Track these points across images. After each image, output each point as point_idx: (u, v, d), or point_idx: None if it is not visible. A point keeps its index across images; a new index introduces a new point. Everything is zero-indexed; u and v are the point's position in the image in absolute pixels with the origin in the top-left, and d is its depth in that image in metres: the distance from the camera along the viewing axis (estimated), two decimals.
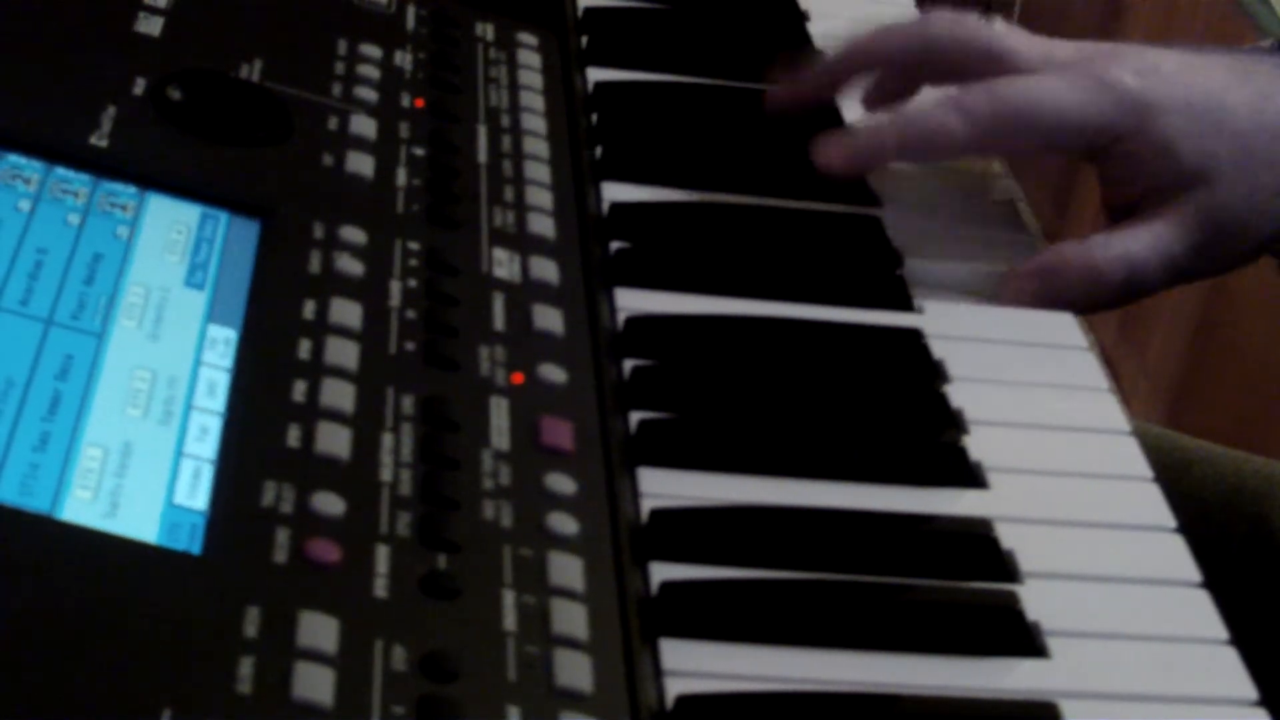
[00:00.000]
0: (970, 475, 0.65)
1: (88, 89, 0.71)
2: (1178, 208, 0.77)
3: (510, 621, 0.54)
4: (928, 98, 0.81)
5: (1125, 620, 0.60)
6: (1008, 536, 0.62)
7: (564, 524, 0.58)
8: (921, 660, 0.57)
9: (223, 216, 0.67)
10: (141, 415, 0.58)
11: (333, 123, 0.74)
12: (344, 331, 0.63)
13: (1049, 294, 0.76)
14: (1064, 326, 0.75)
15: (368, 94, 0.77)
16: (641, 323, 0.70)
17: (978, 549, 0.61)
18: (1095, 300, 0.76)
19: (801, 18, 0.96)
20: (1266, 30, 1.84)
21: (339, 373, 0.61)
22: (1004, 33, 0.79)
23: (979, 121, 0.76)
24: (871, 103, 0.83)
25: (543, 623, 0.55)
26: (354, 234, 0.68)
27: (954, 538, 0.62)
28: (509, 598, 0.55)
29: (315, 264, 0.66)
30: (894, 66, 0.82)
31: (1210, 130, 0.76)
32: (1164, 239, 0.77)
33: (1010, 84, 0.76)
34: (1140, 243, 0.76)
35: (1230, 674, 0.59)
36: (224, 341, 0.62)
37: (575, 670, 0.53)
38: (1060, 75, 0.76)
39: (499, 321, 0.66)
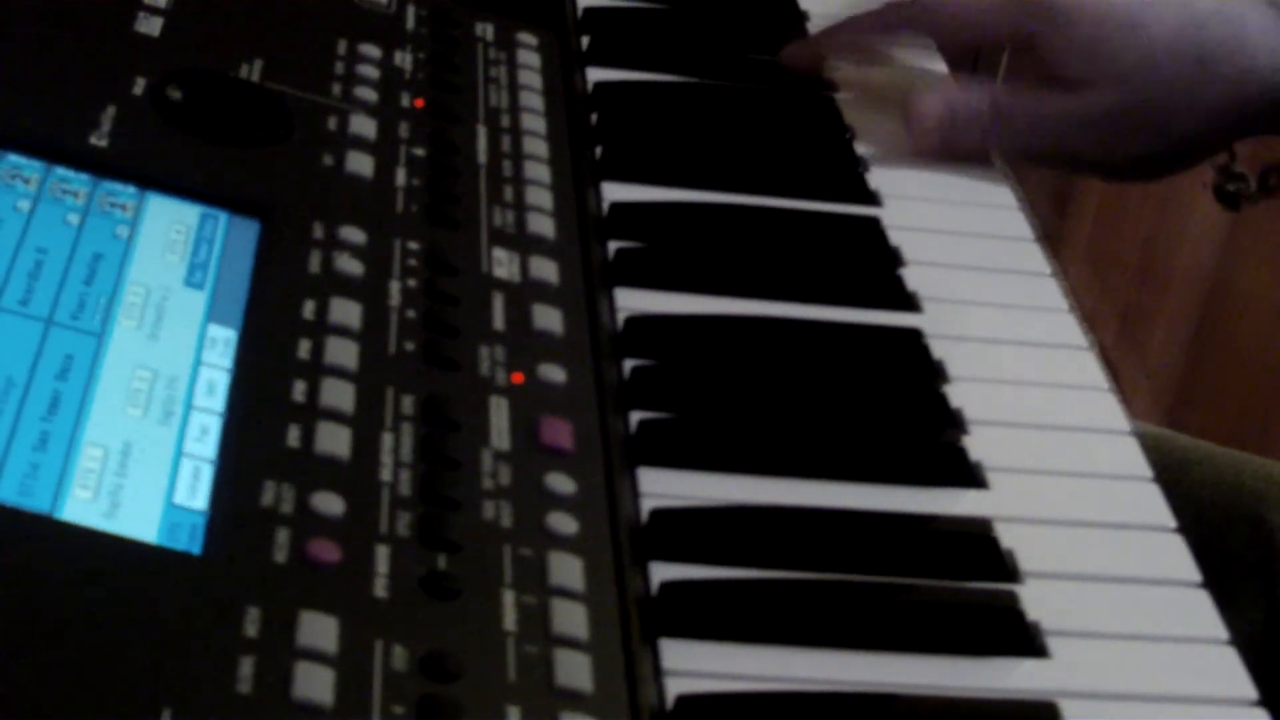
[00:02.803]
0: (970, 475, 0.65)
1: (88, 89, 0.71)
2: (1081, 94, 0.83)
3: (510, 621, 0.54)
4: None
5: (1125, 620, 0.60)
6: (1008, 536, 0.62)
7: (564, 524, 0.58)
8: (922, 660, 0.57)
9: (222, 216, 0.67)
10: (141, 415, 0.58)
11: (332, 123, 0.74)
12: (344, 331, 0.63)
13: (954, 129, 0.84)
14: (1064, 326, 0.75)
15: (368, 94, 0.77)
16: (641, 323, 0.70)
17: (978, 549, 0.61)
18: (987, 144, 0.85)
19: (801, 18, 0.96)
20: None
21: (339, 373, 0.61)
22: None
23: (902, 11, 0.87)
24: None
25: (543, 623, 0.55)
26: (354, 234, 0.68)
27: (954, 538, 0.62)
28: (509, 598, 0.55)
29: (315, 264, 0.66)
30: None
31: (1120, 39, 0.82)
32: (1060, 108, 0.84)
33: None
34: (1039, 101, 0.84)
35: (1230, 674, 0.59)
36: (224, 341, 0.62)
37: (575, 670, 0.53)
38: None
39: (499, 321, 0.66)
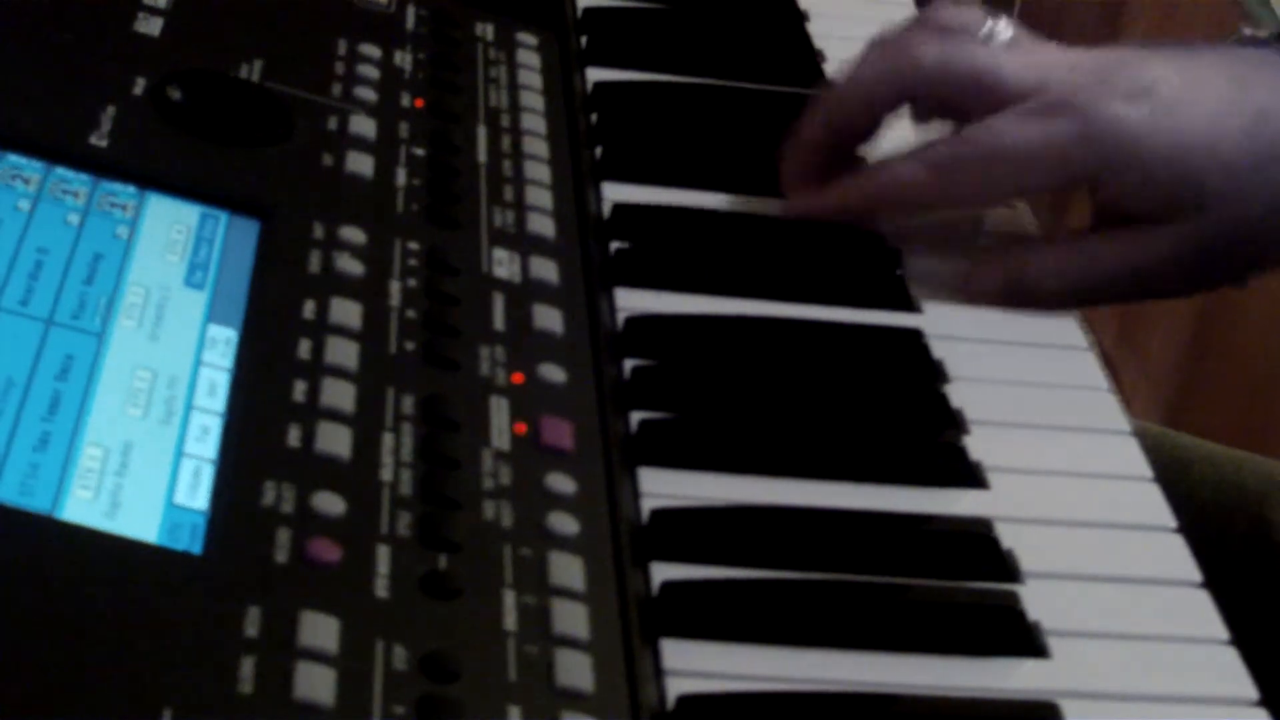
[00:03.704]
0: (970, 475, 0.65)
1: (88, 89, 0.71)
2: (1160, 233, 0.75)
3: (511, 621, 0.54)
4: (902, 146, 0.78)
5: (1125, 620, 0.60)
6: (1008, 536, 0.62)
7: (564, 524, 0.58)
8: (922, 660, 0.57)
9: (223, 216, 0.67)
10: (142, 415, 0.58)
11: (333, 123, 0.74)
12: (344, 331, 0.63)
13: (1024, 297, 0.76)
14: (1064, 327, 0.75)
15: (368, 94, 0.77)
16: (642, 323, 0.70)
17: (978, 549, 0.61)
18: (1073, 303, 0.76)
19: (801, 17, 0.96)
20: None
21: (339, 372, 0.61)
22: (992, 58, 0.75)
23: (945, 174, 0.74)
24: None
25: (543, 623, 0.55)
26: (354, 234, 0.68)
27: (954, 538, 0.62)
28: (510, 597, 0.55)
29: (315, 264, 0.66)
30: (881, 110, 0.78)
31: (1199, 163, 0.73)
32: (1140, 254, 0.75)
33: (980, 133, 0.74)
34: (1119, 253, 0.76)
35: (1230, 674, 0.59)
36: (224, 341, 0.62)
37: (576, 670, 0.53)
38: (1040, 119, 0.73)
39: (499, 321, 0.66)
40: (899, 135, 0.79)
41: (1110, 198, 0.75)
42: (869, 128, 0.78)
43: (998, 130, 0.73)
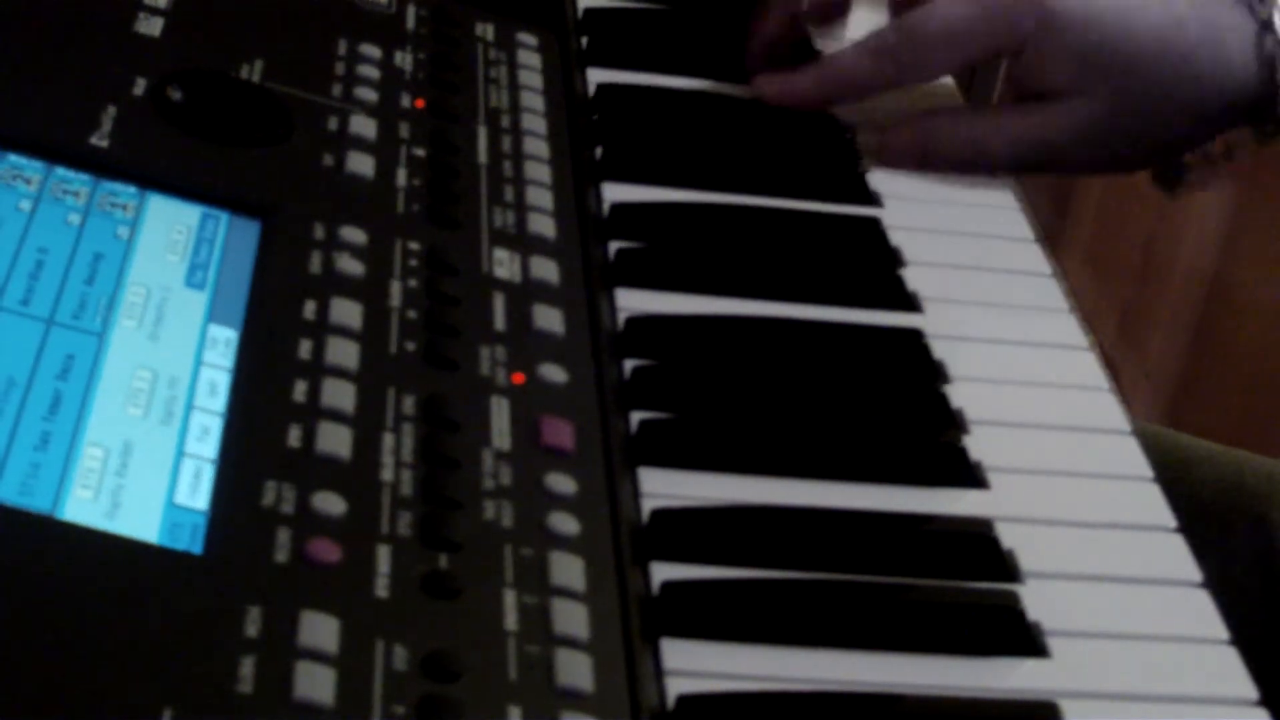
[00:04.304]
0: (970, 475, 0.65)
1: (88, 89, 0.71)
2: (1067, 106, 0.83)
3: (511, 621, 0.54)
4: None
5: (1125, 620, 0.60)
6: (1008, 536, 0.62)
7: (565, 524, 0.58)
8: (922, 660, 0.58)
9: (223, 216, 0.67)
10: (142, 415, 0.58)
11: (333, 123, 0.74)
12: (344, 331, 0.63)
13: (926, 157, 0.84)
14: (1064, 326, 0.75)
15: (368, 94, 0.77)
16: (642, 323, 0.70)
17: (978, 549, 0.61)
18: (974, 168, 0.84)
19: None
20: None
21: (340, 373, 0.61)
22: None
23: (889, 58, 0.84)
24: None
25: (544, 622, 0.55)
26: (354, 234, 0.68)
27: (954, 538, 0.62)
28: (510, 597, 0.55)
29: (316, 264, 0.66)
30: None
31: (1111, 44, 0.81)
32: (1047, 128, 0.83)
33: (916, 19, 0.83)
34: (1025, 123, 0.84)
35: (1230, 674, 0.59)
36: (224, 341, 0.62)
37: (576, 670, 0.53)
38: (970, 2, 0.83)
39: (499, 321, 0.66)
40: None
41: (1025, 68, 0.83)
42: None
43: (931, 13, 0.83)
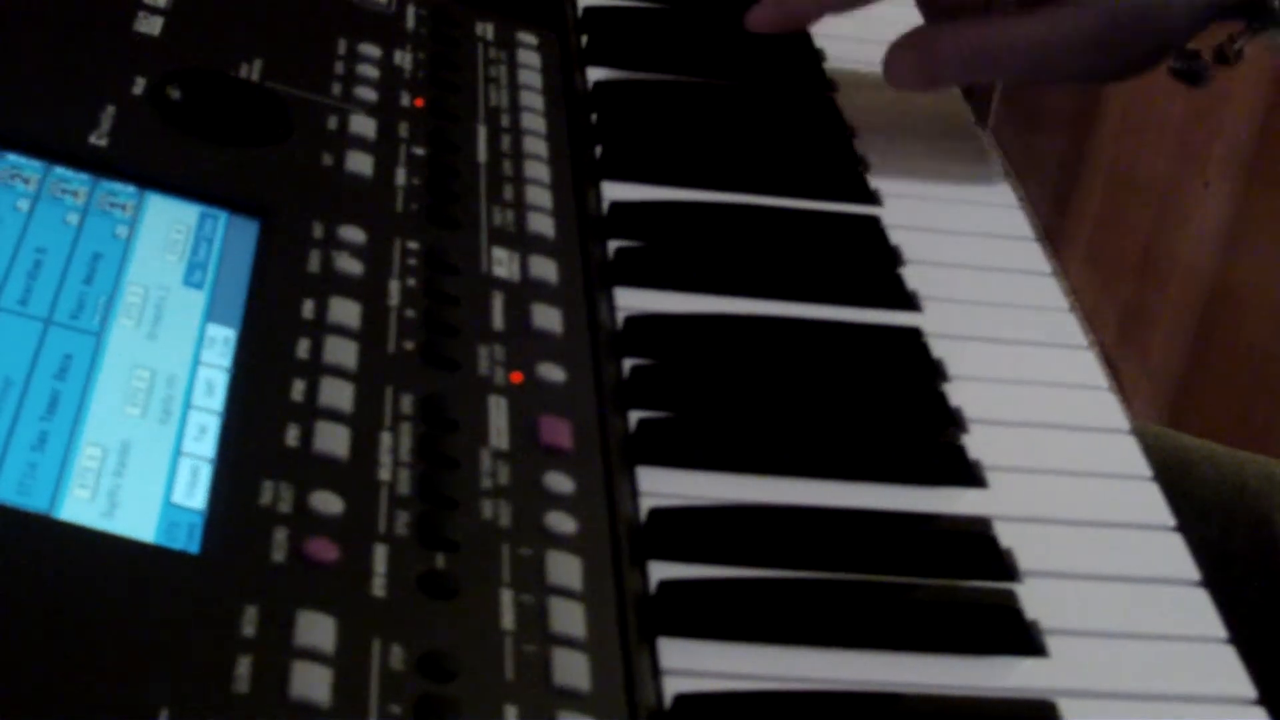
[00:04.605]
0: (970, 474, 0.65)
1: (87, 89, 0.71)
2: (1065, 11, 0.82)
3: (509, 620, 0.54)
4: None
5: (1125, 619, 0.60)
6: (1007, 535, 0.62)
7: (563, 523, 0.58)
8: (921, 659, 0.57)
9: (222, 216, 0.67)
10: (140, 414, 0.58)
11: (332, 122, 0.74)
12: (343, 331, 0.63)
13: (931, 72, 0.83)
14: (1064, 326, 0.75)
15: (367, 93, 0.77)
16: (641, 322, 0.70)
17: (977, 548, 0.61)
18: (979, 76, 0.85)
19: None
20: None
21: (338, 372, 0.61)
22: None
23: None
24: None
25: (541, 622, 0.55)
26: (353, 233, 0.68)
27: (953, 537, 0.62)
28: (507, 597, 0.55)
29: (314, 263, 0.66)
30: None
31: None
32: (1046, 29, 0.82)
33: None
34: (1019, 28, 0.83)
35: (1230, 673, 0.59)
36: (223, 341, 0.62)
37: (573, 669, 0.53)
38: None
39: (498, 321, 0.66)
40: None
41: None
42: None
43: None
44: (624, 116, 0.84)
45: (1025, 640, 0.58)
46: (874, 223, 0.79)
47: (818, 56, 0.92)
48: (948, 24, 0.85)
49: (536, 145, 0.78)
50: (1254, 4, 0.84)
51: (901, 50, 0.83)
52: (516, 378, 0.64)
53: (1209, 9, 0.84)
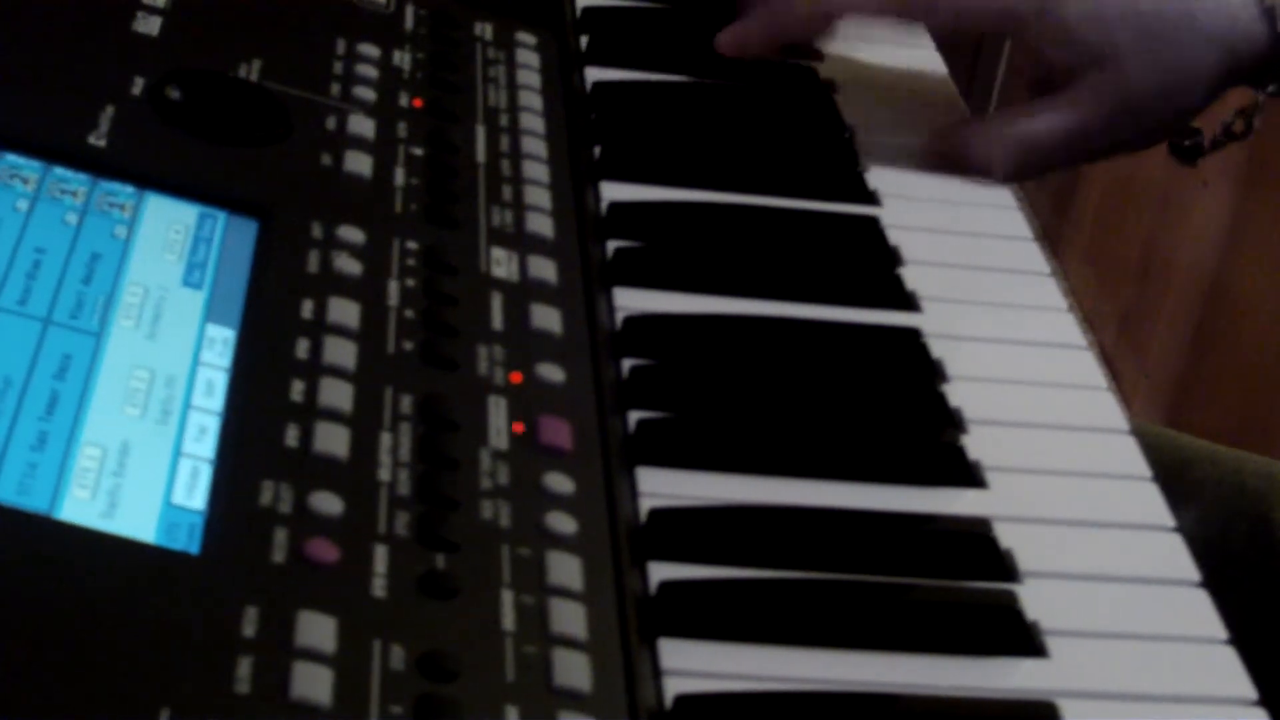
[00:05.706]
0: (969, 475, 0.65)
1: (86, 89, 0.71)
2: (1082, 88, 0.82)
3: (509, 621, 0.54)
4: None
5: (1125, 620, 0.60)
6: (1007, 536, 0.62)
7: (562, 523, 0.58)
8: (921, 660, 0.57)
9: (221, 216, 0.67)
10: (140, 415, 0.58)
11: (331, 122, 0.74)
12: (342, 331, 0.63)
13: (957, 163, 0.83)
14: (1064, 326, 0.75)
15: (366, 94, 0.77)
16: (640, 322, 0.70)
17: (977, 548, 0.61)
18: (999, 172, 0.83)
19: None
20: None
21: (337, 372, 0.61)
22: None
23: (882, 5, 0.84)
24: None
25: (541, 622, 0.55)
26: (352, 233, 0.68)
27: (953, 537, 0.62)
28: (507, 597, 0.55)
29: (313, 263, 0.66)
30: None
31: (1113, 15, 0.81)
32: (1066, 118, 0.82)
33: None
34: (1041, 121, 0.83)
35: (1230, 674, 0.59)
36: (222, 341, 0.62)
37: (574, 670, 0.53)
38: None
39: (497, 321, 0.66)
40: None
41: (1030, 52, 0.83)
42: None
43: None
44: (623, 117, 0.84)
45: (1025, 641, 0.58)
46: (873, 223, 0.79)
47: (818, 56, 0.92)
48: (974, 122, 0.86)
49: (535, 145, 0.78)
50: (1267, 68, 0.84)
51: (934, 142, 0.84)
52: (516, 378, 0.64)
53: (1226, 77, 0.84)
